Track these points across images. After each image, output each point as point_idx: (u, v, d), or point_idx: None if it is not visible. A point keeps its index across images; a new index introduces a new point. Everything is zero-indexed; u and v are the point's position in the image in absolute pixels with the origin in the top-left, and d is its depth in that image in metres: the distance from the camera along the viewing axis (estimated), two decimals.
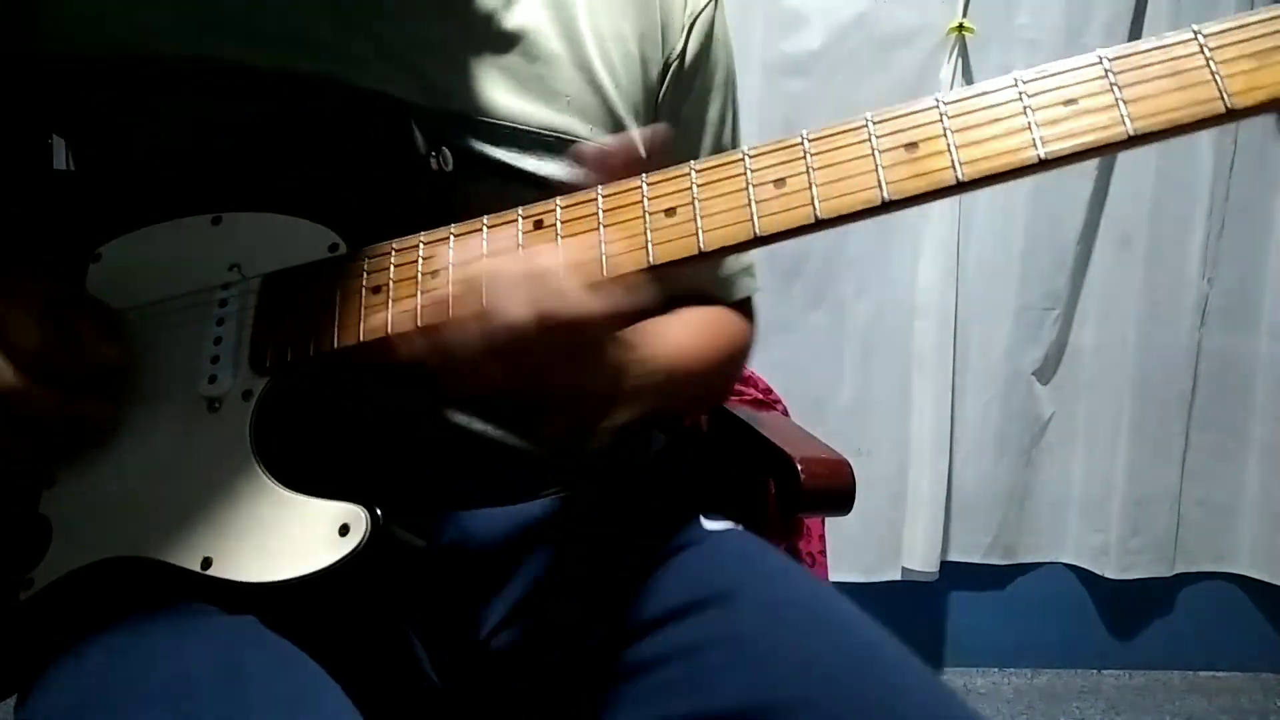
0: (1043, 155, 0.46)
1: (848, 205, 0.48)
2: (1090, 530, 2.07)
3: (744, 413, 0.93)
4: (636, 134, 0.64)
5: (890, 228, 1.91)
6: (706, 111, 0.79)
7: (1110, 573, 2.06)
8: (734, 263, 0.83)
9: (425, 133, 0.62)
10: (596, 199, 0.54)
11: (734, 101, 0.83)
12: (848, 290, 1.93)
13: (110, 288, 0.63)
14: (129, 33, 0.63)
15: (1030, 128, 0.47)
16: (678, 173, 0.53)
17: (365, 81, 0.64)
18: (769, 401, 1.10)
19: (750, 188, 0.50)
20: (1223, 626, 2.15)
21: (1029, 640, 2.13)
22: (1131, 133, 0.44)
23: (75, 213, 0.68)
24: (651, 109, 0.75)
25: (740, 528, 0.75)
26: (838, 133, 0.49)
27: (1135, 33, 1.92)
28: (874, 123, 0.48)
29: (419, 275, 0.56)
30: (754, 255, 0.85)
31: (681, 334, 0.73)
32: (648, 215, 0.52)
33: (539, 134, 0.68)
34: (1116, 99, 0.45)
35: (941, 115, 0.47)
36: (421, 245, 0.57)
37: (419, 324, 0.55)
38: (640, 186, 0.53)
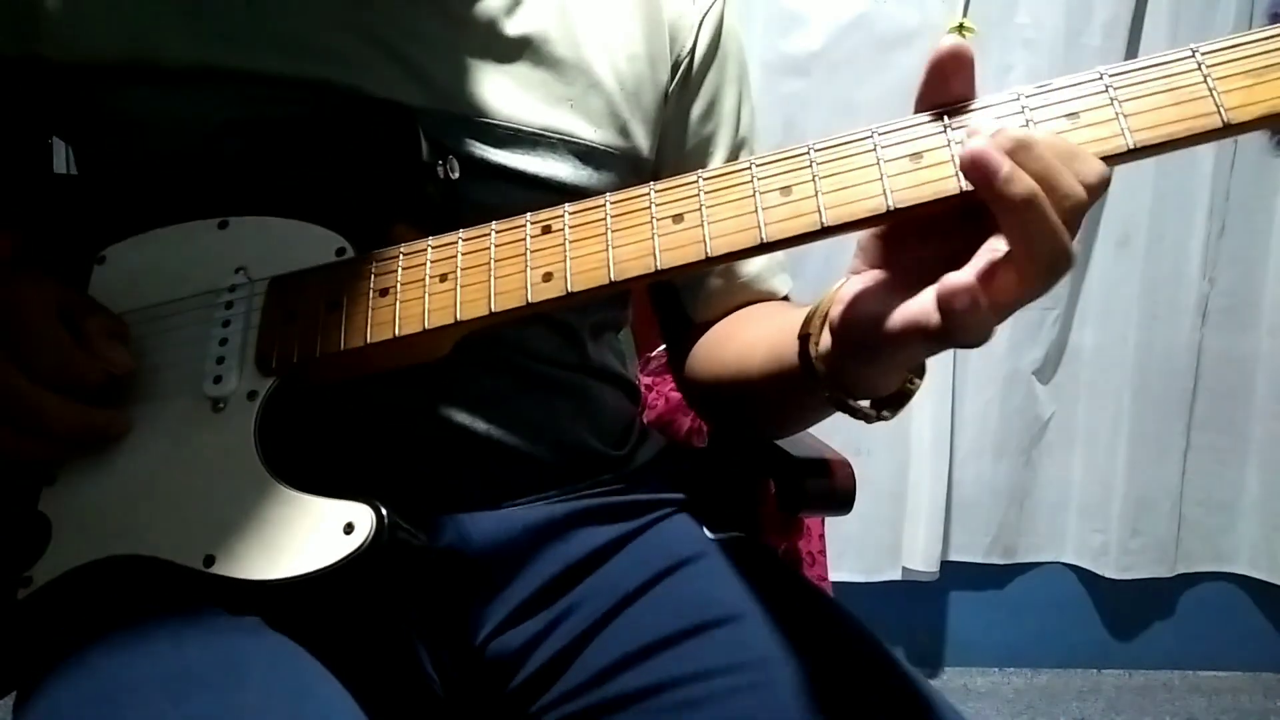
0: None
1: (853, 213, 0.48)
2: (1090, 530, 2.07)
3: None
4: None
5: None
6: (723, 105, 0.80)
7: (1110, 573, 2.06)
8: (773, 261, 0.84)
9: (431, 138, 0.62)
10: (605, 205, 0.54)
11: (748, 92, 0.83)
12: None
13: (114, 290, 0.63)
14: (135, 38, 0.63)
15: None
16: (685, 180, 0.53)
17: (370, 86, 0.64)
18: None
19: (757, 195, 0.50)
20: (1223, 626, 2.16)
21: (1029, 640, 2.13)
22: (1132, 145, 0.45)
23: (79, 216, 0.68)
24: (660, 108, 0.76)
25: (744, 537, 0.75)
26: (843, 143, 0.50)
27: (1135, 33, 1.92)
28: (879, 133, 0.49)
29: (426, 278, 0.57)
30: (782, 255, 0.85)
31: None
32: (655, 221, 0.52)
33: (542, 135, 0.68)
34: (1117, 113, 0.46)
35: (945, 127, 0.48)
36: (430, 249, 0.58)
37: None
38: (648, 194, 0.54)
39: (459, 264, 0.56)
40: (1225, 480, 2.09)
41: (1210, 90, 0.44)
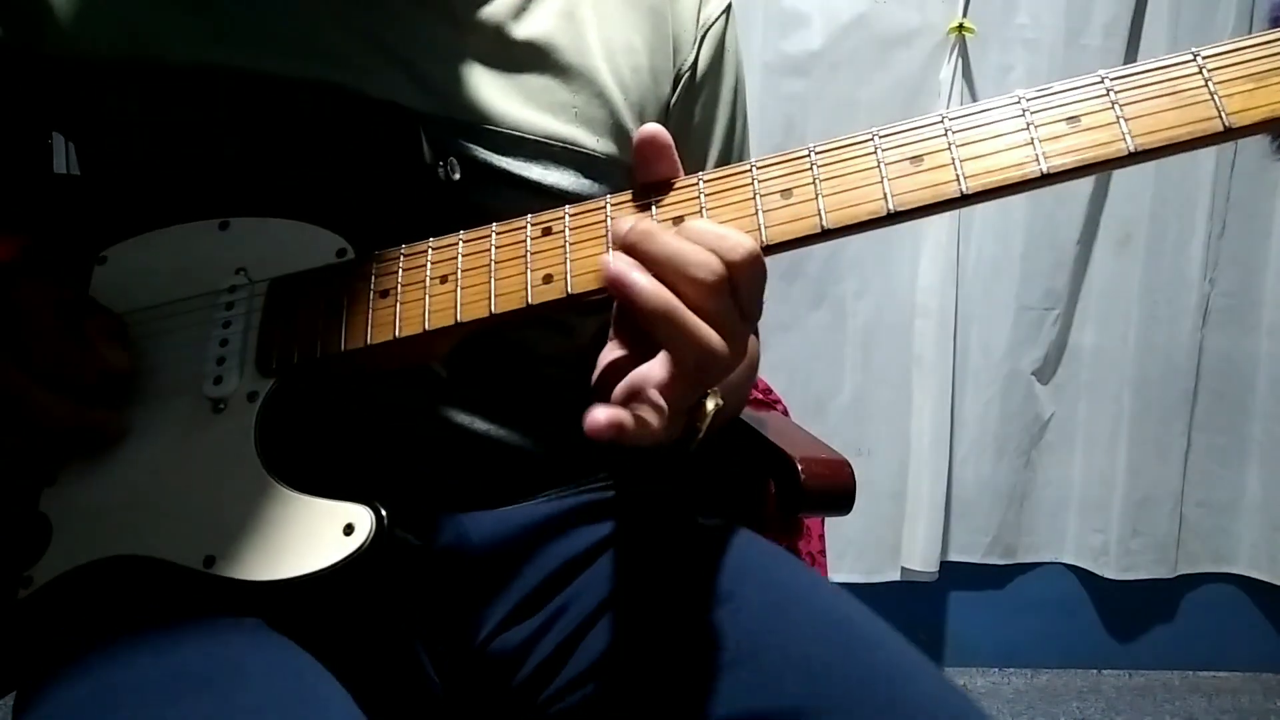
0: (1045, 170, 0.47)
1: (853, 216, 0.48)
2: (1090, 530, 2.08)
3: (744, 413, 0.93)
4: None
5: (890, 229, 1.92)
6: (715, 123, 0.79)
7: (1110, 573, 2.07)
8: None
9: (433, 141, 0.62)
10: (605, 207, 0.54)
11: (743, 113, 0.83)
12: (848, 290, 1.94)
13: (115, 290, 0.63)
14: (138, 38, 0.63)
15: (1033, 143, 0.47)
16: (685, 183, 0.53)
17: (373, 89, 0.64)
18: (769, 401, 1.10)
19: (758, 197, 0.50)
20: (1223, 627, 2.16)
21: (1029, 640, 2.13)
22: (1132, 149, 0.45)
23: (80, 215, 0.68)
24: (661, 120, 0.75)
25: (736, 525, 0.75)
26: (844, 146, 0.50)
27: (1135, 33, 1.92)
28: (880, 136, 0.49)
29: (427, 280, 0.57)
30: None
31: None
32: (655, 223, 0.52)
33: (545, 143, 0.68)
34: (1118, 116, 0.46)
35: (946, 130, 0.48)
36: (430, 250, 0.58)
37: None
38: (648, 196, 0.53)
39: (459, 265, 0.56)
40: (1226, 480, 2.10)
41: (1212, 94, 0.45)
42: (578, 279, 0.53)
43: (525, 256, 0.55)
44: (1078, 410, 2.06)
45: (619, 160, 0.72)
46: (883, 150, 0.49)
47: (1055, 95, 0.47)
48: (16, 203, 0.71)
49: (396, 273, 0.58)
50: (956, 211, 1.90)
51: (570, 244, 0.54)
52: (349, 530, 0.54)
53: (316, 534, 0.54)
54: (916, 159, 0.48)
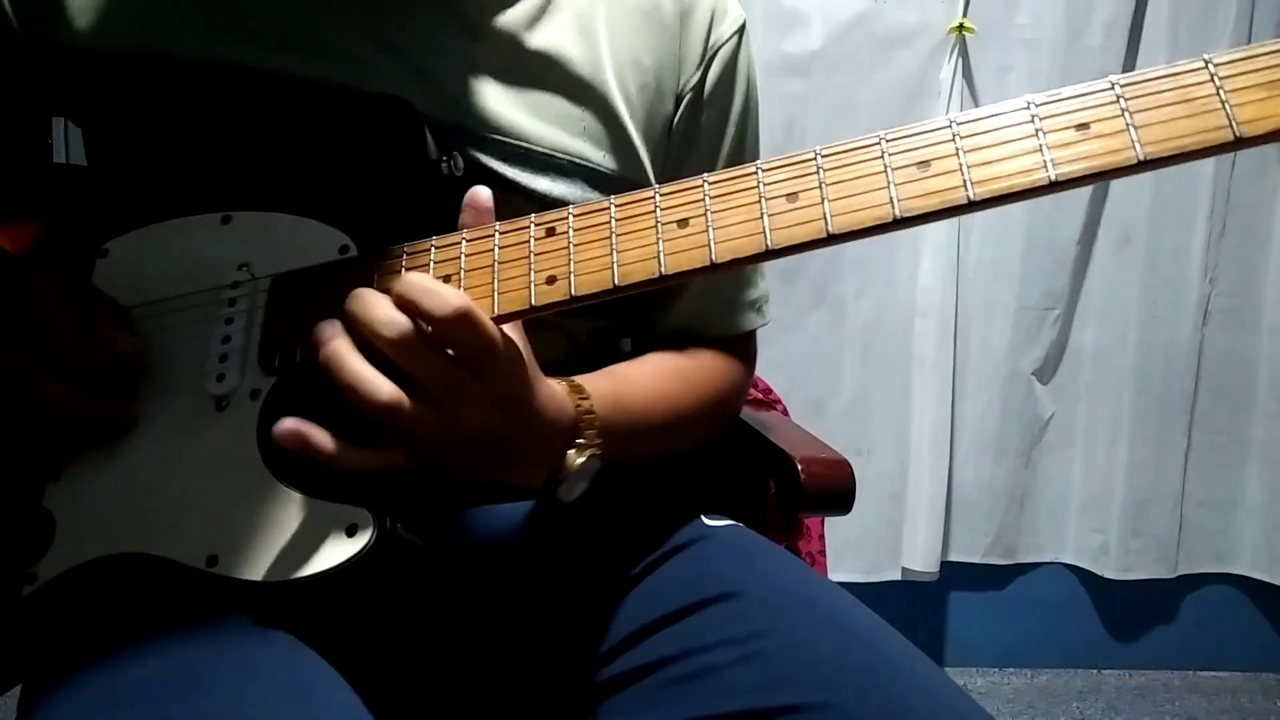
0: (1054, 177, 0.46)
1: (859, 221, 0.48)
2: (1090, 530, 2.08)
3: (744, 412, 0.93)
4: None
5: None
6: (722, 141, 0.79)
7: (1110, 573, 2.07)
8: (742, 295, 0.82)
9: (437, 139, 0.62)
10: (609, 208, 0.54)
11: (754, 133, 0.82)
12: (848, 290, 1.94)
13: (117, 284, 0.62)
14: (149, 31, 0.63)
15: (1042, 150, 0.47)
16: (691, 184, 0.53)
17: (380, 89, 0.64)
18: (769, 401, 1.10)
19: (763, 200, 0.50)
20: (1223, 627, 2.16)
21: (1029, 640, 2.13)
22: (1142, 158, 0.45)
23: (83, 208, 0.68)
24: (665, 138, 0.75)
25: (740, 525, 0.75)
26: (851, 149, 0.49)
27: (1135, 33, 1.92)
28: (887, 140, 0.49)
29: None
30: (768, 287, 0.84)
31: (652, 382, 0.73)
32: (660, 225, 0.52)
33: (550, 155, 0.68)
34: (1128, 124, 0.45)
35: (954, 135, 0.48)
36: (433, 249, 0.58)
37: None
38: (653, 197, 0.53)
39: (462, 265, 0.56)
40: (1226, 480, 2.09)
41: (1223, 102, 0.44)
42: (581, 280, 0.53)
43: (529, 257, 0.55)
44: (1078, 410, 2.06)
45: (624, 176, 0.72)
46: (889, 155, 0.48)
47: (1064, 101, 0.47)
48: (20, 193, 0.71)
49: (399, 271, 0.58)
50: None
51: (574, 245, 0.54)
52: (352, 531, 0.53)
53: (320, 535, 0.54)
54: (924, 164, 0.48)
